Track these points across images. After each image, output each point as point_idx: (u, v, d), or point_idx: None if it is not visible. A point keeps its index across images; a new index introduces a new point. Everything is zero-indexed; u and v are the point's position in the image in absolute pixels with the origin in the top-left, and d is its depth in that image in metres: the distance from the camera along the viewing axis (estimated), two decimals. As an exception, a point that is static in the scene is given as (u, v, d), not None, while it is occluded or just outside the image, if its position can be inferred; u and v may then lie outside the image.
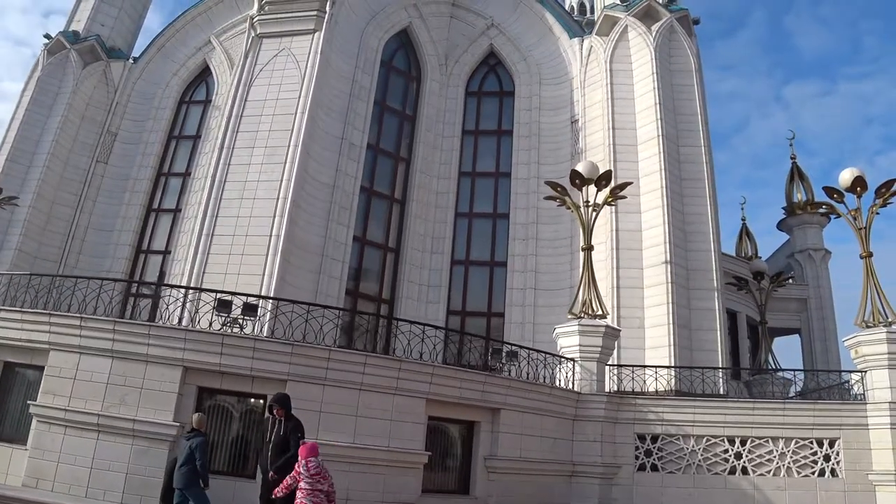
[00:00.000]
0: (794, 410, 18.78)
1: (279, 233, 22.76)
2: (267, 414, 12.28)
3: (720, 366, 21.57)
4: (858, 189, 20.34)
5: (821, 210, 21.21)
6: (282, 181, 23.39)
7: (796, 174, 33.60)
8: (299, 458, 10.59)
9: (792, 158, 34.02)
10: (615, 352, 21.86)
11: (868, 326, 19.33)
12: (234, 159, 24.20)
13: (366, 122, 26.41)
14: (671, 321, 21.84)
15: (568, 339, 19.21)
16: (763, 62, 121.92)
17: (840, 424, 18.52)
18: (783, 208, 33.35)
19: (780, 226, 33.82)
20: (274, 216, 23.00)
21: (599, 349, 18.90)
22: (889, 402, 18.20)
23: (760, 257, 33.00)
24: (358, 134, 25.91)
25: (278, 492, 10.74)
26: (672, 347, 21.57)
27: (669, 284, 22.22)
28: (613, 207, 23.42)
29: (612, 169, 24.03)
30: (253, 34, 26.22)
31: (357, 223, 25.27)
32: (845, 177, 20.53)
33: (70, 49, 30.24)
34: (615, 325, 19.80)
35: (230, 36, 30.03)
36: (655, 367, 20.20)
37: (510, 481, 16.71)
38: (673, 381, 20.68)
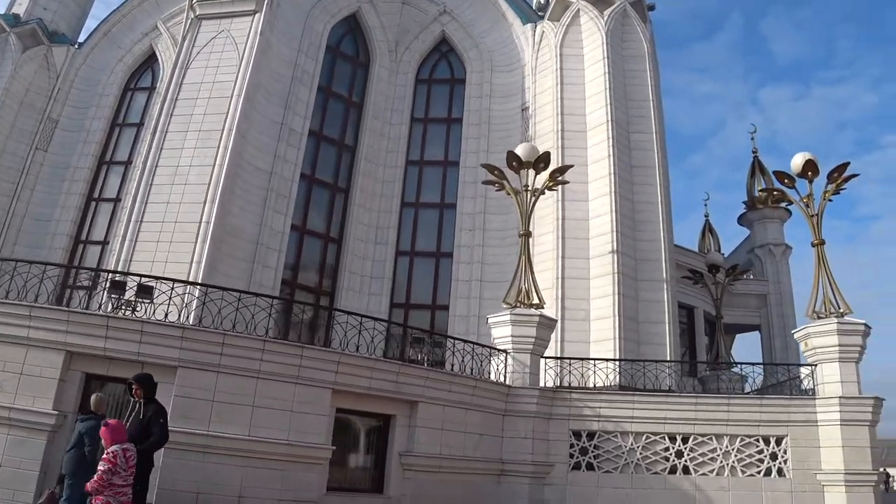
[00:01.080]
0: (740, 406, 17.39)
1: (209, 219, 21.33)
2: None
3: (668, 359, 20.08)
4: (810, 174, 19.04)
5: (774, 195, 19.78)
6: (214, 166, 21.95)
7: (757, 168, 32.26)
8: (105, 443, 8.80)
9: (753, 152, 32.77)
10: (558, 345, 20.59)
11: (819, 318, 18.01)
12: (167, 143, 22.75)
13: (308, 108, 24.98)
14: (617, 313, 20.48)
15: (500, 330, 17.81)
16: (740, 65, 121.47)
17: (788, 421, 17.18)
18: (744, 203, 31.98)
19: (741, 220, 32.47)
20: (205, 202, 21.55)
21: (533, 340, 17.52)
22: (839, 397, 16.88)
23: (723, 253, 31.64)
24: (299, 120, 24.47)
25: (94, 486, 8.74)
26: (617, 340, 20.20)
27: (616, 275, 20.88)
28: (559, 195, 22.18)
29: (560, 156, 22.74)
30: (192, 15, 24.71)
31: (296, 212, 23.84)
32: (797, 161, 19.30)
33: (10, 32, 28.71)
34: (552, 315, 18.36)
35: (178, 21, 28.50)
36: (594, 359, 18.84)
37: (428, 480, 15.29)
38: (616, 375, 19.21)
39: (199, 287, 16.95)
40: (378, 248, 24.79)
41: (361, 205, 25.11)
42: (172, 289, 14.35)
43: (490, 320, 18.12)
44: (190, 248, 21.11)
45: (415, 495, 15.20)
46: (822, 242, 19.13)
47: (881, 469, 17.53)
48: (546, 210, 22.81)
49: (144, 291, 14.43)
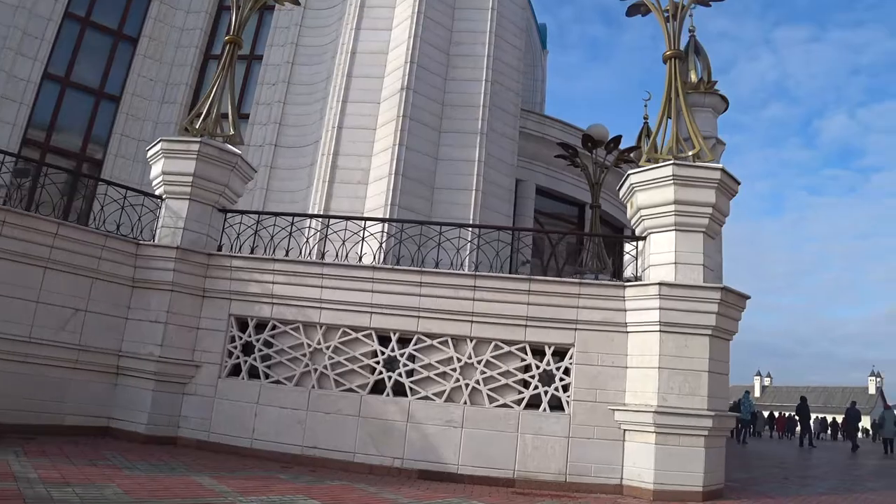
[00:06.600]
0: (493, 291, 9.39)
1: None
2: None
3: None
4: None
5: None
6: (-79, -13, 14.88)
7: (692, 48, 22.93)
8: None
9: (690, 31, 23.32)
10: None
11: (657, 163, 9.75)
12: None
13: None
14: (395, 171, 12.71)
15: (156, 166, 10.39)
16: (756, 1, 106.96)
17: (576, 321, 9.15)
18: (673, 87, 22.75)
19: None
20: None
21: (190, 179, 9.71)
22: (660, 285, 8.64)
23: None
24: (67, -57, 17.08)
25: None
26: (389, 208, 12.30)
27: (400, 119, 13.13)
28: (353, 22, 14.30)
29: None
30: None
31: (58, 59, 17.10)
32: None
33: None
34: (235, 150, 10.60)
35: None
36: (310, 215, 10.87)
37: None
38: (381, 252, 11.19)
39: None
40: (165, 109, 17.60)
41: (150, 56, 17.94)
42: None
43: (148, 152, 10.52)
44: None
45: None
46: (677, 55, 10.73)
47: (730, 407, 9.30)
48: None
49: None
